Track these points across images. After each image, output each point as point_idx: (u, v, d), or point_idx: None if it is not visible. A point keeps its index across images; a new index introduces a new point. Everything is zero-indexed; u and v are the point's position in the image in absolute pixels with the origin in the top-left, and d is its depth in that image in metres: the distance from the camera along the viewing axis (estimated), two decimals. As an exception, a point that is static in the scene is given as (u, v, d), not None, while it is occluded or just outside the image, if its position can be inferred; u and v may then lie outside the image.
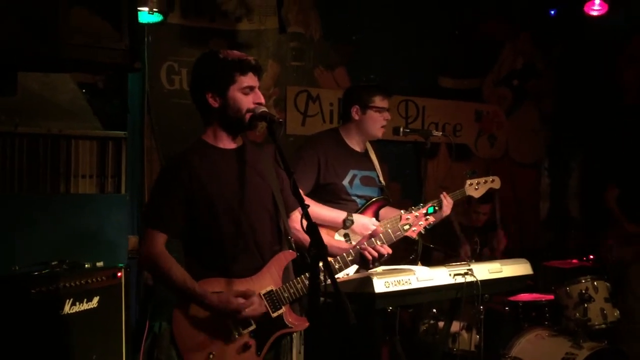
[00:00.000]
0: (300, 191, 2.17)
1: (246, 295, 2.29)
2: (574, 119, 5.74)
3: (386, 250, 2.53)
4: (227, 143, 2.42)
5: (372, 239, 2.56)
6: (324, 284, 1.94)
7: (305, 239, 2.27)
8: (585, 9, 5.11)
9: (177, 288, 2.29)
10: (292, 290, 2.36)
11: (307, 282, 2.35)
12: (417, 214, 2.87)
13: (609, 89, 5.53)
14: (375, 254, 2.50)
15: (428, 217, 2.89)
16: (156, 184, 2.45)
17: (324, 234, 3.14)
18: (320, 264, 1.91)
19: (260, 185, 2.44)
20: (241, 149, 2.46)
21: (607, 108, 5.49)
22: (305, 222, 1.96)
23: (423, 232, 3.01)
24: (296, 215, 2.58)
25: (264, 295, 2.35)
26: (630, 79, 5.47)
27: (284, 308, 2.37)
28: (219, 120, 2.41)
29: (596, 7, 5.08)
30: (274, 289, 2.36)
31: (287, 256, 2.43)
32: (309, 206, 2.03)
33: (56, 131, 3.65)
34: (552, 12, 5.64)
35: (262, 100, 2.38)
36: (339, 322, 1.86)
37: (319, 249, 1.87)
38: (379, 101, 3.42)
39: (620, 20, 5.14)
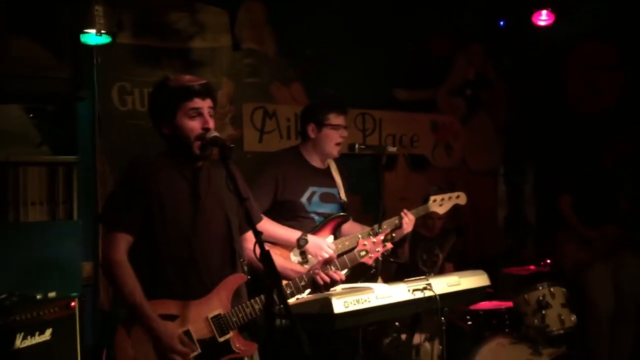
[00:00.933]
0: (253, 216, 2.14)
1: (188, 345, 2.26)
2: (526, 127, 5.87)
3: (339, 276, 2.52)
4: (189, 163, 2.43)
5: (327, 264, 2.56)
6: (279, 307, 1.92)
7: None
8: (533, 19, 5.23)
9: (126, 302, 2.26)
10: (240, 315, 2.34)
11: (256, 307, 2.34)
12: (374, 240, 2.82)
13: (556, 97, 5.69)
14: (328, 280, 2.49)
15: (386, 244, 2.85)
16: (117, 184, 2.47)
17: (278, 253, 3.14)
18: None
19: (215, 206, 2.43)
20: (199, 168, 2.45)
21: (555, 115, 5.63)
22: (258, 251, 1.93)
23: (380, 259, 2.99)
24: (250, 235, 2.55)
25: (211, 319, 2.32)
26: (574, 86, 5.63)
27: (231, 333, 2.34)
28: (174, 148, 2.43)
29: (543, 18, 5.21)
30: (222, 313, 2.34)
31: (237, 279, 2.41)
32: (262, 233, 2.01)
33: (2, 158, 3.54)
34: (501, 23, 5.77)
35: (210, 125, 2.37)
36: (296, 351, 1.84)
37: (272, 278, 1.85)
38: (333, 118, 3.43)
39: (566, 29, 5.29)
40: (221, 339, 2.32)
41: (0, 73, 1.88)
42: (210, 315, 2.32)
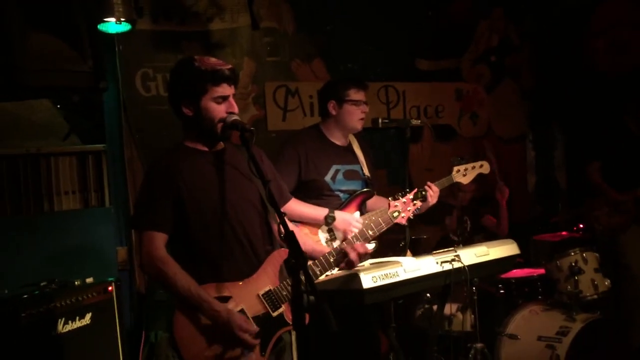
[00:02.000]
0: (279, 197, 2.17)
1: (250, 325, 2.29)
2: (553, 91, 5.75)
3: (364, 249, 2.55)
4: (211, 147, 2.44)
5: (351, 237, 2.61)
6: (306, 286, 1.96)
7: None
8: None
9: (181, 295, 2.26)
10: (290, 288, 2.31)
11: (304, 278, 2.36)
12: (404, 200, 2.97)
13: (581, 58, 5.54)
14: (356, 254, 2.51)
15: (415, 202, 3.02)
16: (142, 186, 2.45)
17: (307, 232, 3.18)
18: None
19: (247, 185, 2.44)
20: (221, 151, 2.46)
21: (581, 77, 5.50)
22: (283, 230, 1.96)
23: (412, 217, 3.08)
24: (287, 208, 2.64)
25: (262, 295, 2.36)
26: (600, 46, 5.47)
27: (283, 306, 2.38)
28: (194, 128, 2.42)
29: (568, -23, 5.06)
30: (272, 289, 2.38)
31: (281, 254, 2.43)
32: (285, 214, 2.04)
33: (34, 150, 3.63)
34: (524, -16, 5.62)
35: (235, 109, 2.38)
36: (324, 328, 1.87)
37: (298, 258, 1.88)
38: (353, 94, 3.41)
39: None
40: (275, 314, 2.37)
41: (20, 67, 1.90)
42: (261, 292, 2.36)
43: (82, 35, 2.03)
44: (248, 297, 2.34)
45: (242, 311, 2.32)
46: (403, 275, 2.79)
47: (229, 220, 2.35)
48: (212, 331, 2.27)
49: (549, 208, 5.79)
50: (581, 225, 4.63)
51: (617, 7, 5.36)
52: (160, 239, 2.30)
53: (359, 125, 3.47)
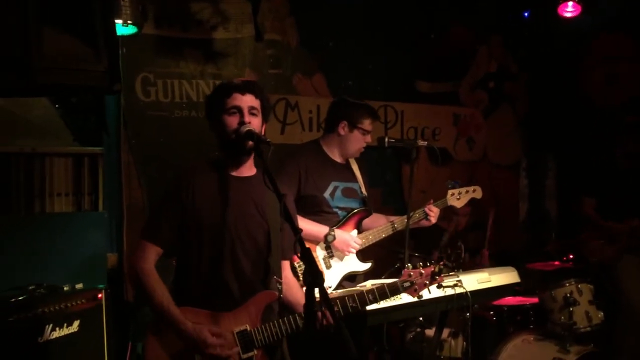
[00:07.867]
0: (292, 213, 2.12)
1: (221, 335, 2.25)
2: (548, 120, 5.79)
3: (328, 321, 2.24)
4: (235, 170, 2.42)
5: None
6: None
7: (293, 295, 2.42)
8: (559, 10, 5.13)
9: (156, 309, 2.27)
10: (266, 334, 2.31)
11: (283, 328, 2.30)
12: (422, 271, 2.48)
13: (578, 89, 5.60)
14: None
15: (436, 278, 2.49)
16: (160, 197, 2.48)
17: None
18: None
19: (257, 220, 2.41)
20: (250, 179, 2.43)
21: (577, 108, 5.55)
22: (299, 248, 1.90)
23: (423, 295, 2.53)
24: (286, 264, 2.56)
25: (237, 333, 2.30)
26: (596, 79, 5.53)
27: (255, 351, 2.30)
28: (221, 145, 2.42)
29: (569, 9, 5.11)
30: (248, 329, 2.31)
31: (268, 296, 2.38)
32: (301, 231, 1.98)
33: (29, 149, 3.54)
34: (526, 14, 5.68)
35: (247, 119, 2.34)
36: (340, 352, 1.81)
37: (313, 276, 1.82)
38: (367, 124, 3.44)
39: (590, 21, 5.20)
40: (244, 356, 2.28)
41: (36, 67, 1.84)
42: (237, 329, 2.30)
43: (98, 33, 1.96)
44: (223, 331, 2.29)
45: None
46: (406, 298, 2.74)
47: (224, 251, 2.33)
48: (182, 356, 2.23)
49: (539, 236, 5.81)
50: (571, 256, 4.63)
51: (612, 41, 5.44)
52: (152, 251, 2.33)
53: (357, 154, 3.51)
